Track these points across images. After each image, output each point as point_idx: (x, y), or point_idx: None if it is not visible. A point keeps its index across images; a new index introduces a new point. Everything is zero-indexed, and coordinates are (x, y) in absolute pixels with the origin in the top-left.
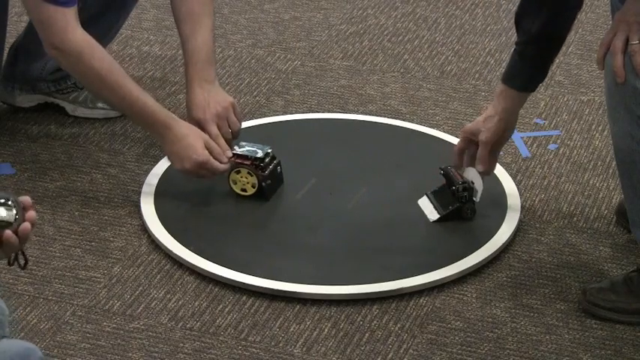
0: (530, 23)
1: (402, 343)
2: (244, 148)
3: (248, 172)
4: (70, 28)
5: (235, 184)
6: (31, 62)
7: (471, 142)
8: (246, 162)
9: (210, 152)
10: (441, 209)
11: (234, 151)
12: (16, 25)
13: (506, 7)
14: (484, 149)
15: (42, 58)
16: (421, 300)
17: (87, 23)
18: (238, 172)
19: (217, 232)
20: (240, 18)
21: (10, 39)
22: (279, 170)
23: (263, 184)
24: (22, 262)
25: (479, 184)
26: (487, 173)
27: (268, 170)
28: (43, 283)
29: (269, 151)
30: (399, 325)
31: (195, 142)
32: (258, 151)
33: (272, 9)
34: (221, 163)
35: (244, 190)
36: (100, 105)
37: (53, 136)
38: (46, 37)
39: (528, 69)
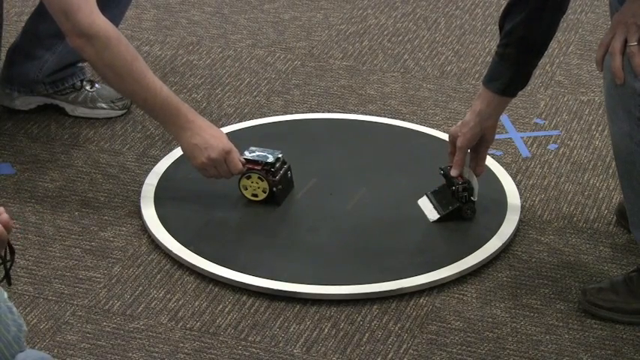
0: (511, 25)
1: (402, 343)
2: (254, 153)
3: (259, 178)
4: (95, 13)
5: (246, 189)
6: (28, 64)
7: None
8: (256, 167)
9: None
10: (441, 209)
11: (245, 157)
12: (16, 25)
13: None
14: (459, 154)
15: (38, 59)
16: (421, 300)
17: None
18: (249, 178)
19: (217, 232)
20: (240, 18)
21: (10, 39)
22: (289, 175)
23: (274, 189)
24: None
25: (474, 183)
26: (476, 175)
27: (279, 175)
28: (43, 283)
29: (279, 155)
30: (399, 325)
31: (220, 134)
32: (268, 156)
33: (272, 9)
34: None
35: (255, 195)
36: (99, 105)
37: (53, 136)
38: (72, 26)
39: (507, 72)
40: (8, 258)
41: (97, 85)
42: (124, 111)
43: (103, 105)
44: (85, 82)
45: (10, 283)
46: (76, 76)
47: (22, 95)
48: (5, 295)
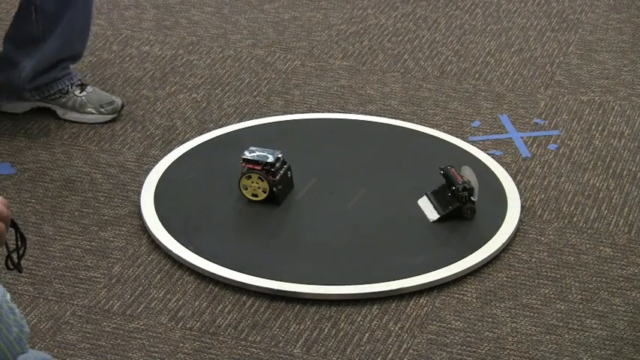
0: None
1: (402, 343)
2: (254, 153)
3: (259, 178)
4: None
5: (246, 189)
6: (10, 72)
7: None
8: (256, 167)
9: None
10: (441, 209)
11: (245, 157)
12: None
13: (506, 7)
14: None
15: (17, 66)
16: (421, 300)
17: (47, 30)
18: (249, 178)
19: (217, 232)
20: (240, 18)
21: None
22: (289, 175)
23: (274, 189)
24: (10, 266)
25: (474, 182)
26: None
27: (279, 175)
28: (43, 283)
29: (279, 155)
30: (399, 325)
31: None
32: (268, 156)
33: (272, 9)
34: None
35: (255, 195)
36: (88, 110)
37: (53, 136)
38: None
39: None
40: (20, 245)
41: (87, 89)
42: (114, 115)
43: (92, 110)
44: (73, 87)
45: (20, 271)
46: (62, 82)
47: (14, 101)
48: (8, 296)
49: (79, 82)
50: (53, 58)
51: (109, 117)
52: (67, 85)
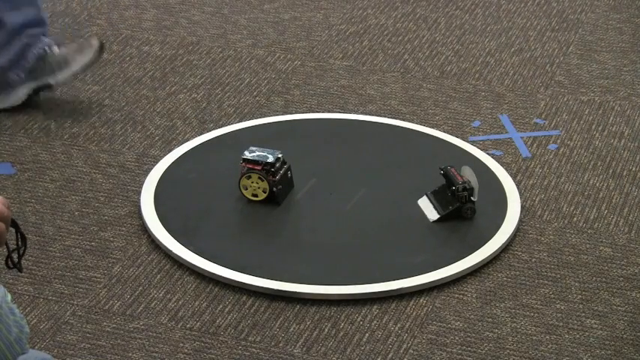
0: None
1: (402, 343)
2: (254, 153)
3: (259, 178)
4: None
5: (246, 189)
6: None
7: None
8: (256, 167)
9: None
10: (441, 209)
11: (245, 157)
12: None
13: (506, 7)
14: None
15: None
16: (421, 300)
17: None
18: (249, 178)
19: (217, 232)
20: (240, 18)
21: None
22: (289, 175)
23: (274, 189)
24: (10, 265)
25: (474, 182)
26: None
27: (279, 175)
28: (43, 283)
29: (279, 155)
30: (399, 325)
31: None
32: (268, 156)
33: (272, 9)
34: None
35: (255, 195)
36: (73, 59)
37: (53, 136)
38: None
39: None
40: (20, 245)
41: (66, 44)
42: (99, 53)
43: (75, 56)
44: (51, 48)
45: (21, 271)
46: (36, 47)
47: (3, 94)
48: (9, 297)
49: (53, 43)
50: (8, 28)
51: (96, 44)
52: (42, 49)
